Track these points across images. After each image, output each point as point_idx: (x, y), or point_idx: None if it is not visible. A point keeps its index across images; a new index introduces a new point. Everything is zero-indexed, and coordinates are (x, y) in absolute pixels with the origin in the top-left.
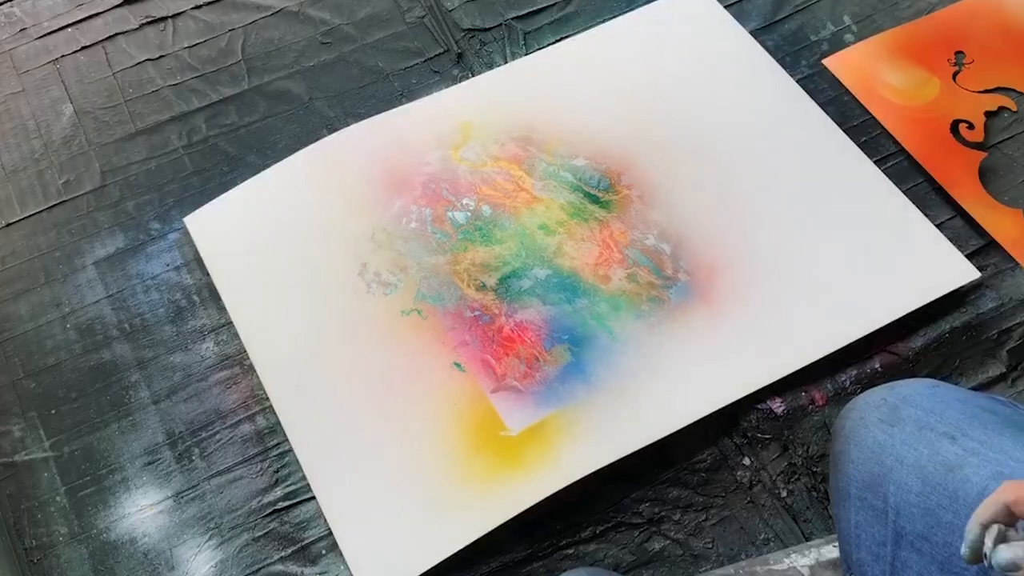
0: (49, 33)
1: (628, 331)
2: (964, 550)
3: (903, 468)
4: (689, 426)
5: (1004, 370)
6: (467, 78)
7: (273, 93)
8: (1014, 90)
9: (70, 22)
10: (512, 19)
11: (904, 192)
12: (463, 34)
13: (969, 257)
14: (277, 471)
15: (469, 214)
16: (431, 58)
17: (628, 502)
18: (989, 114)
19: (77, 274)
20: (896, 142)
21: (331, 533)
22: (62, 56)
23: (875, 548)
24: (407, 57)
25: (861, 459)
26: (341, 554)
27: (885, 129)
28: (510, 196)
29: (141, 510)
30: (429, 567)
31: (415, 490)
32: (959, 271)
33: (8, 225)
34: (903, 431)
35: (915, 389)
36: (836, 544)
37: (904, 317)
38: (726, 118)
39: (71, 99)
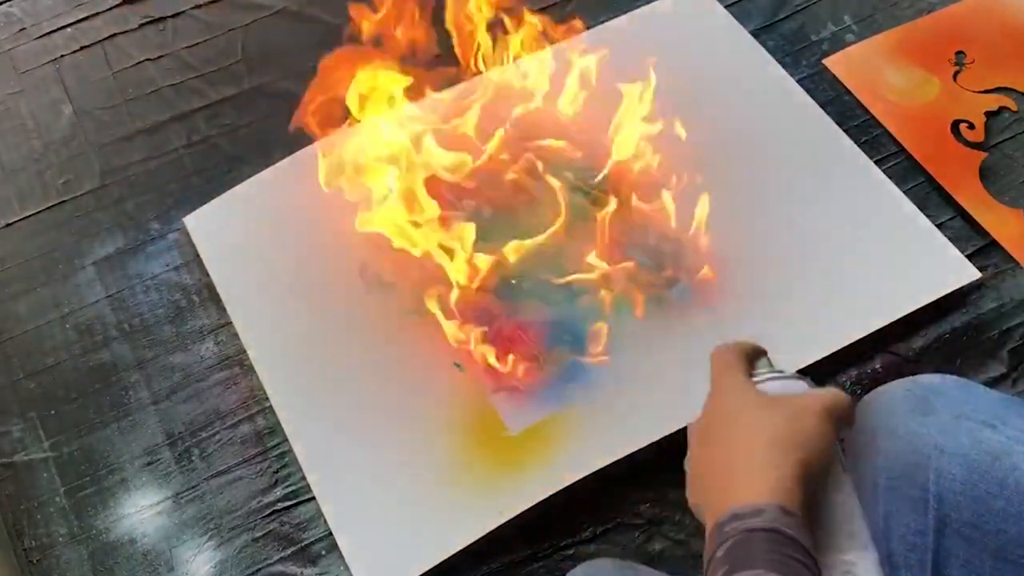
0: (49, 33)
1: (628, 331)
2: None
3: (944, 456)
4: None
5: (1005, 370)
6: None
7: (273, 93)
8: (1014, 90)
9: (70, 22)
10: None
11: (904, 192)
12: None
13: (969, 257)
14: (277, 471)
15: (469, 214)
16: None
17: (628, 502)
18: (989, 114)
19: (77, 274)
20: (896, 142)
21: (331, 533)
22: (62, 56)
23: (912, 538)
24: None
25: (893, 449)
26: (341, 554)
27: (885, 129)
28: (510, 197)
29: (141, 510)
30: (429, 567)
31: (415, 490)
32: (959, 271)
33: (8, 225)
34: (939, 420)
35: (940, 381)
36: None
37: (904, 317)
38: (726, 118)
39: (71, 99)
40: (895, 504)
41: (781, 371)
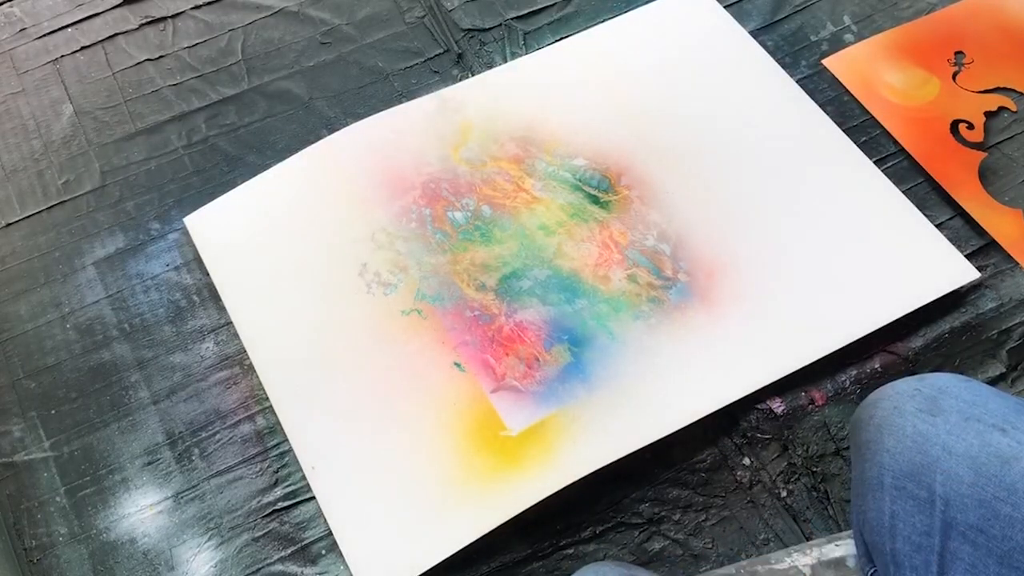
0: (49, 33)
1: (628, 331)
2: None
3: (952, 458)
4: (689, 426)
5: (1004, 370)
6: (467, 78)
7: (273, 93)
8: (1014, 90)
9: (70, 22)
10: (512, 19)
11: (904, 192)
12: (463, 34)
13: (969, 257)
14: (277, 471)
15: (469, 214)
16: (431, 58)
17: (628, 502)
18: (989, 114)
19: (77, 274)
20: (896, 142)
21: (331, 533)
22: (62, 56)
23: (917, 538)
24: (407, 57)
25: (899, 448)
26: (341, 554)
27: (885, 129)
28: (510, 196)
29: (141, 510)
30: (429, 567)
31: (415, 490)
32: (959, 271)
33: (8, 225)
34: (947, 421)
35: (949, 381)
36: (838, 543)
37: (904, 317)
38: (726, 118)
39: (71, 99)
40: (901, 503)
41: None
